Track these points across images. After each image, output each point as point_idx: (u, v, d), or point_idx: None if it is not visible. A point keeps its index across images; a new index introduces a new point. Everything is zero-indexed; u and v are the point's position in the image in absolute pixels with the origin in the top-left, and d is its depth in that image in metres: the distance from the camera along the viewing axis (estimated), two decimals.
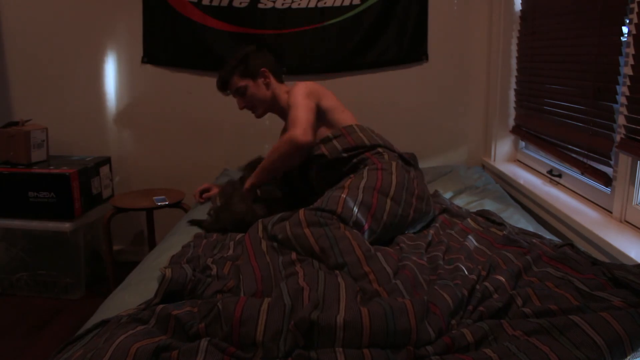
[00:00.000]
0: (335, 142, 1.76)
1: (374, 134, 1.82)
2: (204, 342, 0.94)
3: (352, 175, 1.63)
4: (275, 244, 1.39)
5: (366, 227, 1.46)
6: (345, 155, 1.73)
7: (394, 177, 1.59)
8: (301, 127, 1.66)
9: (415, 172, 1.72)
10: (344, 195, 1.48)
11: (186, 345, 0.94)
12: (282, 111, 1.93)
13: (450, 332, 1.02)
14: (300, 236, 1.34)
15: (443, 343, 0.97)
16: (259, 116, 1.94)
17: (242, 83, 1.87)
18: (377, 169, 1.63)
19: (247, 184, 1.81)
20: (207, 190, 2.13)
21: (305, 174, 1.90)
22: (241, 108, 1.93)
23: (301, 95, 1.75)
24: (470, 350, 0.96)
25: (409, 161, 1.77)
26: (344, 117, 1.84)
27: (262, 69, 1.87)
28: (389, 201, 1.53)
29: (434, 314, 1.04)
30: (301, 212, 1.41)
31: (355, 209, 1.45)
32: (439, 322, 1.03)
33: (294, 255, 1.31)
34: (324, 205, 1.43)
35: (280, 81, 1.94)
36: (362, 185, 1.54)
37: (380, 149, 1.74)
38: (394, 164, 1.66)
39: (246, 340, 0.96)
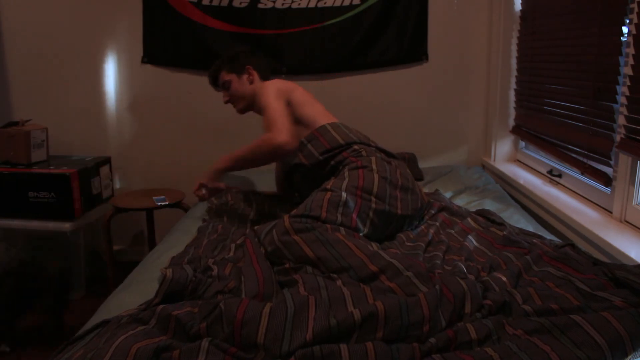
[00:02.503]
0: (310, 147, 1.76)
1: (348, 130, 1.80)
2: (205, 342, 0.93)
3: (332, 178, 1.62)
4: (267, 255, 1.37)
5: (352, 227, 1.44)
6: (322, 158, 1.73)
7: (375, 173, 1.58)
8: (280, 130, 1.68)
9: (396, 161, 1.71)
10: (326, 198, 1.46)
11: (187, 345, 0.94)
12: (260, 110, 1.95)
13: (458, 323, 1.03)
14: (290, 244, 1.30)
15: (446, 336, 0.97)
16: (239, 111, 2.00)
17: (227, 77, 1.94)
18: (358, 167, 1.61)
19: (216, 167, 1.81)
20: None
21: (291, 181, 1.92)
22: (225, 102, 1.99)
23: (271, 96, 1.78)
24: (473, 347, 0.96)
25: (389, 152, 1.76)
26: (314, 111, 1.82)
27: (247, 66, 1.94)
28: (373, 199, 1.51)
29: (447, 299, 1.05)
30: (285, 219, 1.38)
31: (339, 212, 1.43)
32: (449, 307, 1.03)
33: (287, 265, 1.28)
34: (307, 211, 1.40)
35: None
36: (344, 185, 1.52)
37: (356, 146, 1.72)
38: (373, 159, 1.64)
39: (248, 342, 0.96)
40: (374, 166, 1.61)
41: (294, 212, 1.43)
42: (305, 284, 1.16)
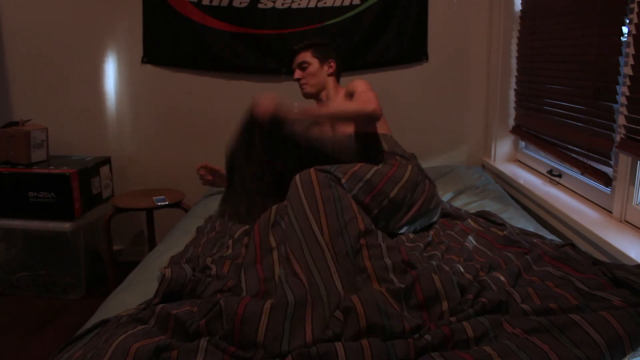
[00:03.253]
0: None
1: (396, 144, 1.90)
2: (203, 342, 0.94)
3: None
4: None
5: (363, 204, 1.48)
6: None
7: (407, 173, 1.63)
8: (377, 105, 1.72)
9: (430, 182, 1.74)
10: (353, 170, 1.52)
11: (186, 345, 0.94)
12: (322, 103, 2.04)
13: (451, 318, 1.03)
14: (310, 192, 1.36)
15: (442, 333, 0.97)
16: (305, 94, 2.05)
17: (310, 60, 2.00)
18: (393, 165, 1.67)
19: (312, 112, 1.81)
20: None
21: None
22: (295, 78, 2.03)
23: (367, 86, 1.85)
24: (470, 345, 0.96)
25: (425, 173, 1.80)
26: (381, 120, 1.90)
27: (332, 59, 2.01)
28: (396, 188, 1.56)
29: (415, 294, 1.07)
30: (312, 171, 1.42)
31: (359, 186, 1.49)
32: (418, 304, 1.06)
33: (284, 247, 1.32)
34: (333, 170, 1.47)
35: (337, 81, 2.08)
36: (374, 168, 1.58)
37: (398, 157, 1.80)
38: (410, 166, 1.69)
39: (247, 339, 0.96)
40: (408, 169, 1.66)
41: (321, 167, 1.48)
42: (300, 264, 1.19)
